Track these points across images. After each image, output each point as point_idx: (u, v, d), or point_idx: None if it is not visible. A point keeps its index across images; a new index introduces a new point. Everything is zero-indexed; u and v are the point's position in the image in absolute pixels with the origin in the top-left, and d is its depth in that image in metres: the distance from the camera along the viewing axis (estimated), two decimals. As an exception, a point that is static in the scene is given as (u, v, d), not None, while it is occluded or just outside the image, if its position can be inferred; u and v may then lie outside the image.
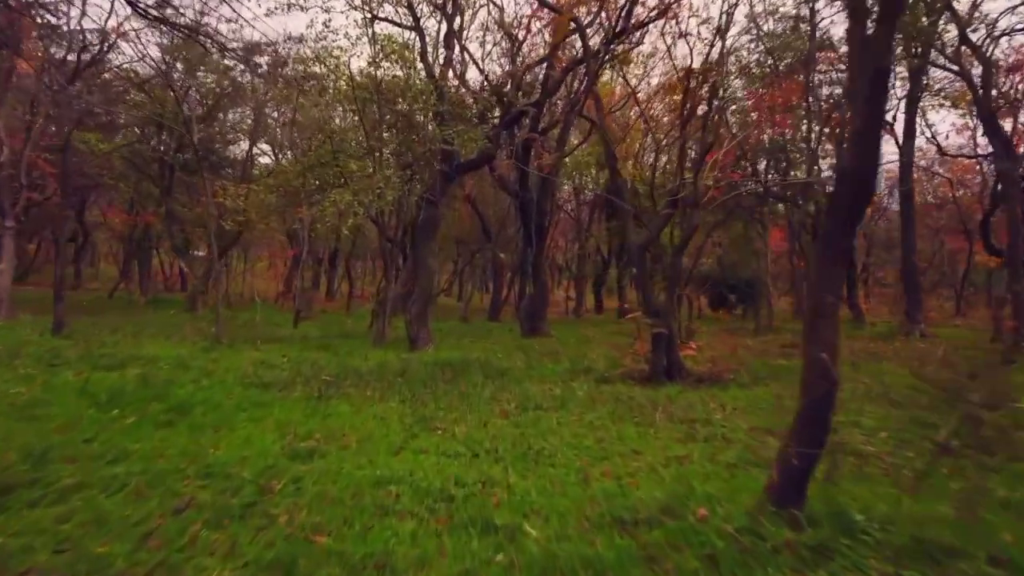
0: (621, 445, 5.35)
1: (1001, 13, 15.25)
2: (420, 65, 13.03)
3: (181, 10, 11.22)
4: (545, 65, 15.66)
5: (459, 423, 6.05)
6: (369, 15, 12.79)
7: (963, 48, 14.72)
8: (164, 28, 14.62)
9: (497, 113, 14.64)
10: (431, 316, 13.71)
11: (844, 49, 16.46)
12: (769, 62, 15.30)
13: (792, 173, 16.13)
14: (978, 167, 24.78)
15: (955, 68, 15.46)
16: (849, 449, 4.76)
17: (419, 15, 13.79)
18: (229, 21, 16.74)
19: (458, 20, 14.35)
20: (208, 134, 22.13)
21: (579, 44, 13.94)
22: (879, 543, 2.95)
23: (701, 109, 10.76)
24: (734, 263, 23.77)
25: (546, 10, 14.97)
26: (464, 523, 3.45)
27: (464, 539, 3.26)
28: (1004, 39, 15.29)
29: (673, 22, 11.47)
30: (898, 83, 17.65)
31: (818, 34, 15.79)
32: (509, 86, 14.93)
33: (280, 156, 26.16)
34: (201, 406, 6.19)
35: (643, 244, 10.09)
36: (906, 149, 17.91)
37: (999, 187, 18.89)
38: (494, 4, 19.20)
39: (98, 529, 3.26)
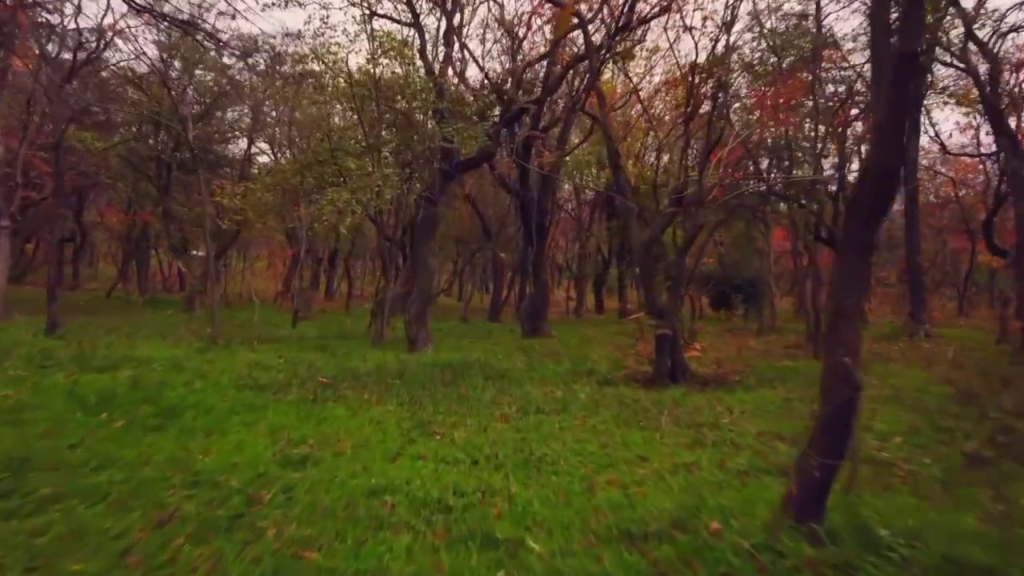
0: (626, 451, 5.16)
1: (1009, 9, 15.05)
2: (419, 62, 12.85)
3: (178, 6, 11.07)
4: (546, 62, 15.48)
5: (458, 427, 5.87)
6: (368, 11, 12.62)
7: (969, 44, 14.53)
8: (162, 25, 14.49)
9: (497, 111, 14.46)
10: (430, 316, 13.53)
11: (848, 47, 16.29)
12: (772, 60, 15.12)
13: (794, 172, 15.93)
14: (981, 166, 24.60)
15: (962, 65, 15.26)
16: (863, 456, 4.57)
17: (418, 12, 13.63)
18: (223, 14, 16.44)
19: (458, 17, 14.17)
20: (205, 132, 21.95)
21: (580, 41, 13.76)
22: (907, 561, 2.76)
23: (705, 106, 10.57)
24: (736, 263, 23.60)
25: (547, 7, 14.79)
26: (463, 537, 3.26)
27: (463, 555, 3.07)
28: (1012, 35, 15.06)
29: (677, 16, 11.26)
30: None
31: (823, 30, 15.57)
32: (509, 83, 14.75)
33: (279, 155, 25.99)
34: (192, 409, 6.00)
35: (647, 243, 9.89)
36: (910, 147, 17.72)
37: (1002, 186, 18.70)
38: (494, 1, 19.02)
39: (75, 544, 3.07)
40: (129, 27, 16.19)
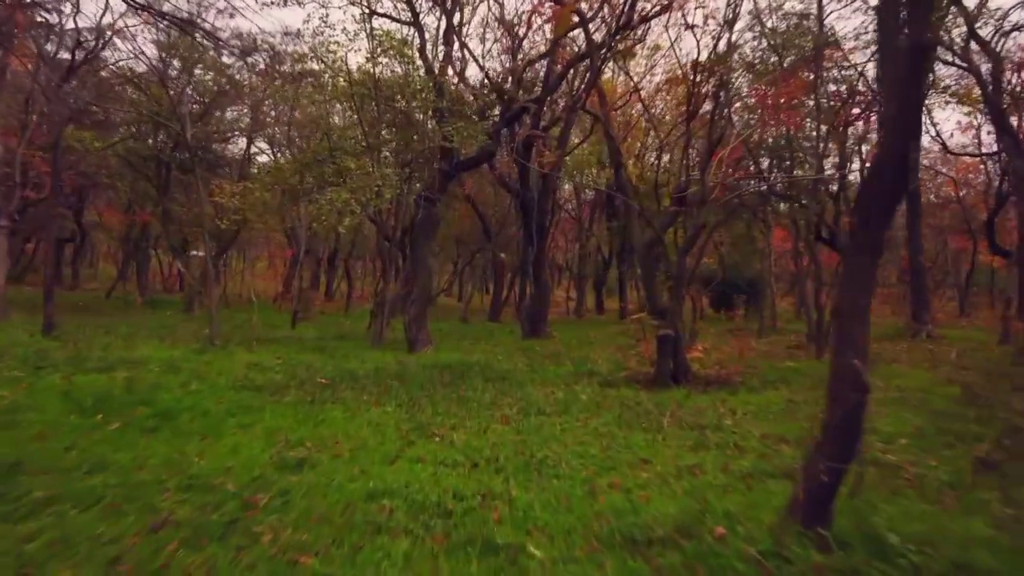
0: (629, 453, 5.09)
1: (1011, 7, 14.95)
2: (419, 61, 12.78)
3: (177, 5, 11.01)
4: (546, 61, 15.41)
5: (458, 429, 5.80)
6: (367, 10, 12.54)
7: (971, 43, 14.45)
8: (161, 24, 14.41)
9: (497, 110, 14.39)
10: (430, 317, 13.46)
11: (850, 46, 16.19)
12: (773, 59, 15.05)
13: (795, 172, 15.86)
14: (983, 166, 24.51)
15: (964, 64, 15.18)
16: (869, 459, 4.50)
17: (418, 10, 13.56)
18: (221, 12, 16.37)
19: (458, 16, 14.10)
20: (204, 132, 21.85)
21: (581, 39, 13.70)
22: (916, 568, 2.69)
23: (707, 105, 10.51)
24: (736, 263, 23.53)
25: (547, 5, 14.72)
26: (462, 542, 3.19)
27: (462, 561, 3.00)
28: (1014, 33, 14.96)
29: (678, 14, 11.21)
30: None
31: (824, 29, 15.49)
32: (510, 82, 14.68)
33: (278, 154, 25.90)
34: (188, 411, 5.94)
35: (649, 243, 9.82)
36: (912, 146, 17.62)
37: (1004, 186, 18.63)
38: (494, 0, 18.97)
39: (66, 550, 3.00)
40: (128, 26, 16.11)
